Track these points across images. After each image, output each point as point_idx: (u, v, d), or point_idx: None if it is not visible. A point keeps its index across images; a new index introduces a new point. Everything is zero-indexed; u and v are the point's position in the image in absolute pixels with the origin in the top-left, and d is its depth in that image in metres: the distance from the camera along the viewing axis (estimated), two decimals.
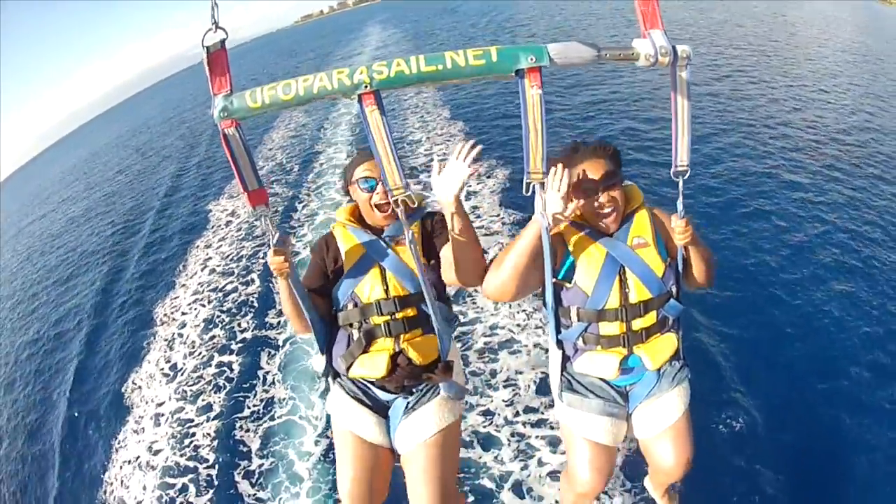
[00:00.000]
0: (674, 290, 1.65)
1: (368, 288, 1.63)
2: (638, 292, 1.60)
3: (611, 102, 9.59)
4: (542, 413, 3.33)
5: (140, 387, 4.89)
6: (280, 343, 4.76)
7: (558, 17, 21.15)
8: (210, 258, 7.18)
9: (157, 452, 4.01)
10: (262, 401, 4.16)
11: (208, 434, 4.02)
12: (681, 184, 1.49)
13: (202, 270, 6.90)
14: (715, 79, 10.22)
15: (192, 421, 4.23)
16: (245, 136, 1.30)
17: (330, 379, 1.79)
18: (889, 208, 5.44)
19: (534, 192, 1.39)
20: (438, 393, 1.72)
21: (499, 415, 3.36)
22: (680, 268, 1.64)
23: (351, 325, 1.66)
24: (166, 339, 5.44)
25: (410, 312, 1.64)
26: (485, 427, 3.30)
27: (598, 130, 8.19)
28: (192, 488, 3.59)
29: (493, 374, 3.71)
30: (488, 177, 6.75)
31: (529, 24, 20.69)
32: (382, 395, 1.75)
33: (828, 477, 2.89)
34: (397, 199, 1.32)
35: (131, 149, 21.62)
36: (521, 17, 23.56)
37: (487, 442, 3.21)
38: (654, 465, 1.81)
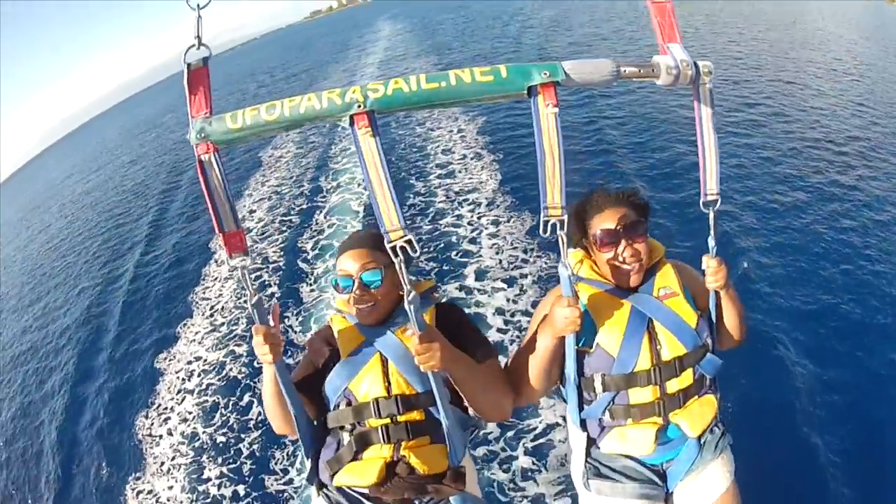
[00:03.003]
0: (709, 342, 1.46)
1: (366, 384, 1.35)
2: (671, 347, 1.40)
3: (620, 122, 8.52)
4: None
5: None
6: None
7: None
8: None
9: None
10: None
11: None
12: (711, 215, 1.33)
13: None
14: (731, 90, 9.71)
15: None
16: (223, 168, 1.16)
17: (314, 489, 1.47)
18: None
19: (554, 231, 1.18)
20: None
21: None
22: (713, 318, 1.47)
23: (342, 429, 1.38)
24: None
25: (416, 416, 1.36)
26: None
27: (611, 154, 7.46)
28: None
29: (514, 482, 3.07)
30: (506, 220, 5.84)
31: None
32: None
33: None
34: (395, 247, 1.13)
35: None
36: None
37: None
38: None
